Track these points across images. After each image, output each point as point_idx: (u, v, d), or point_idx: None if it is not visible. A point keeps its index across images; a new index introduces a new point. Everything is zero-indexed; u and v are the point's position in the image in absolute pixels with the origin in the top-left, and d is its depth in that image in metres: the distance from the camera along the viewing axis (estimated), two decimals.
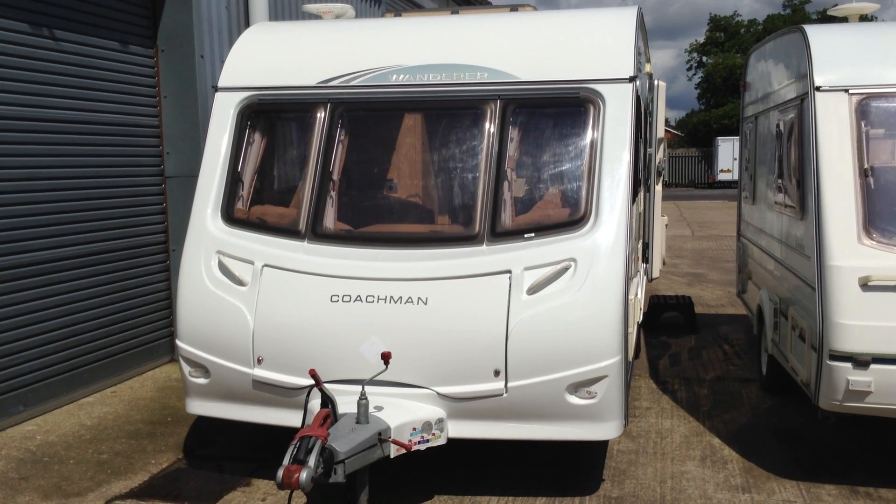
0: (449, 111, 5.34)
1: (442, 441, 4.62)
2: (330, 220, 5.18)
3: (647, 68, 7.73)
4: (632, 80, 5.03)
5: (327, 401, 4.30)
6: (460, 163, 5.20)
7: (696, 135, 53.74)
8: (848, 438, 5.76)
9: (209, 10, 7.93)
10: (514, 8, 6.13)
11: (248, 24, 8.29)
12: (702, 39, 62.68)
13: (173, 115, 7.84)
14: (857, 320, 4.74)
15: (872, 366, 4.73)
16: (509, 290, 4.63)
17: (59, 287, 6.74)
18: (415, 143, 5.46)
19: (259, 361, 4.87)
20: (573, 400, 4.57)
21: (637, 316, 6.64)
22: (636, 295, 6.34)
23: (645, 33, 7.12)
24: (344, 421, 4.28)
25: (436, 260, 4.83)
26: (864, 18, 6.74)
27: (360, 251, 4.96)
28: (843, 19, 6.64)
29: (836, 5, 6.77)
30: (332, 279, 4.84)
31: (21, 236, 6.39)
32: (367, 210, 5.40)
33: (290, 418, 4.81)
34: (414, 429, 4.47)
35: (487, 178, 5.00)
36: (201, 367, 5.07)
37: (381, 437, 4.26)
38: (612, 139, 4.91)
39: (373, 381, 4.37)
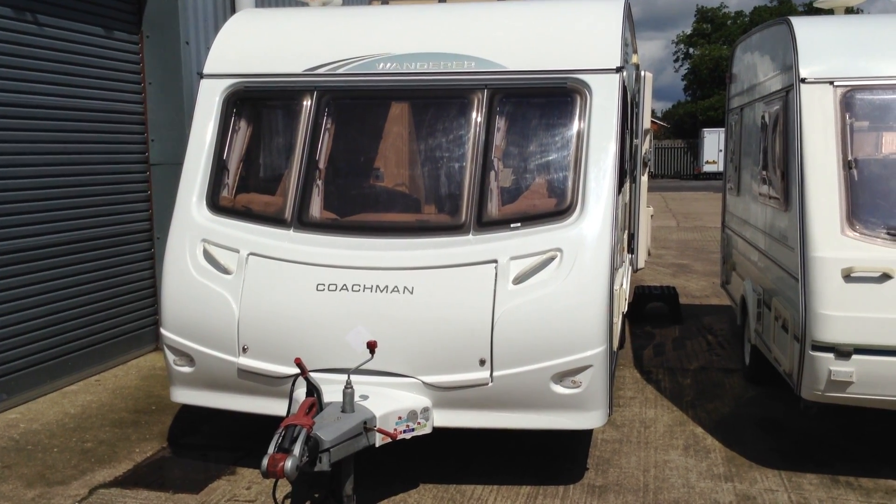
0: (436, 100, 5.33)
1: (427, 430, 4.63)
2: (316, 209, 5.16)
3: (634, 59, 7.73)
4: (618, 70, 5.03)
5: (313, 390, 4.30)
6: (447, 152, 5.20)
7: (682, 126, 53.91)
8: (829, 428, 5.81)
9: None
10: None
11: (233, 11, 8.22)
12: (689, 31, 62.82)
13: (158, 101, 7.79)
14: (840, 311, 4.78)
15: (854, 356, 4.77)
16: (495, 280, 4.64)
17: (42, 275, 6.69)
18: (401, 132, 5.45)
19: (244, 350, 4.86)
20: (558, 389, 4.59)
21: (622, 306, 6.66)
22: (621, 285, 6.36)
23: (632, 24, 7.12)
24: (329, 410, 4.28)
25: (422, 249, 4.83)
26: (849, 11, 6.77)
27: (347, 240, 4.95)
28: (829, 12, 6.67)
29: None
30: (318, 268, 4.83)
31: (4, 223, 6.33)
32: (354, 199, 5.38)
33: (275, 407, 4.81)
34: (399, 418, 4.48)
35: (474, 168, 5.00)
36: (186, 356, 5.05)
37: (367, 426, 4.27)
38: (598, 130, 4.92)
39: (358, 370, 4.37)
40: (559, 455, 5.32)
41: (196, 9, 7.90)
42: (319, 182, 5.21)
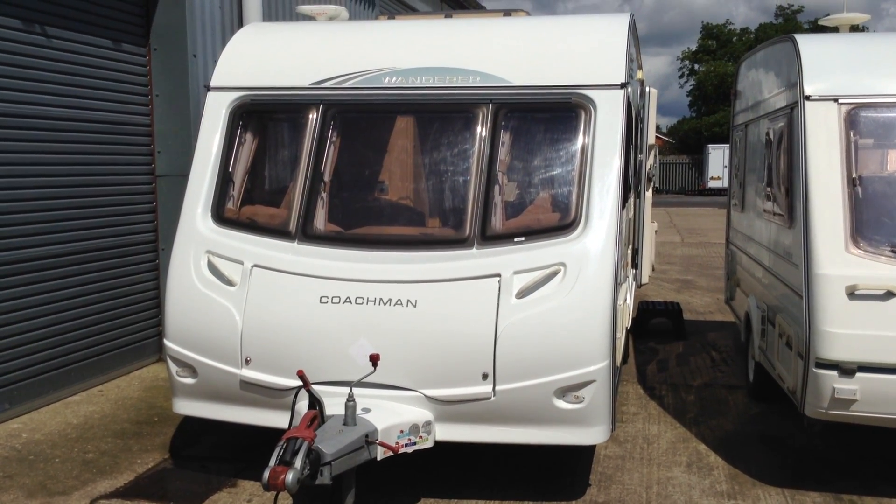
0: (441, 114, 5.35)
1: (429, 444, 4.62)
2: (320, 222, 5.18)
3: (639, 75, 7.76)
4: (623, 86, 5.05)
5: (315, 402, 4.29)
6: (451, 166, 5.21)
7: (687, 142, 53.92)
8: (833, 446, 5.79)
9: (202, 9, 7.92)
10: (507, 13, 6.15)
11: (241, 24, 8.28)
12: (694, 47, 62.99)
13: (165, 113, 7.83)
14: (844, 328, 4.77)
15: (858, 374, 4.75)
16: (498, 294, 4.64)
17: (47, 285, 6.71)
18: (406, 146, 5.47)
19: (247, 362, 4.86)
20: (561, 404, 4.58)
21: (625, 321, 6.65)
22: (625, 300, 6.36)
23: (637, 40, 7.15)
24: (331, 423, 4.27)
25: (426, 262, 4.83)
26: (854, 29, 6.78)
27: (351, 253, 4.96)
28: (834, 29, 6.68)
29: (827, 15, 6.81)
30: (322, 280, 4.84)
31: (9, 233, 6.36)
32: (358, 212, 5.40)
33: (277, 419, 4.80)
34: (401, 431, 4.47)
35: (478, 182, 5.01)
36: (189, 367, 5.05)
37: (368, 440, 4.26)
38: (602, 145, 4.93)
39: (361, 383, 4.37)
40: (561, 471, 5.30)
41: (204, 22, 7.95)
42: (324, 195, 5.22)
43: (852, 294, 4.75)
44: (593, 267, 4.65)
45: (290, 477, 3.80)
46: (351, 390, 4.29)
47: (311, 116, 5.34)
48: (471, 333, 4.60)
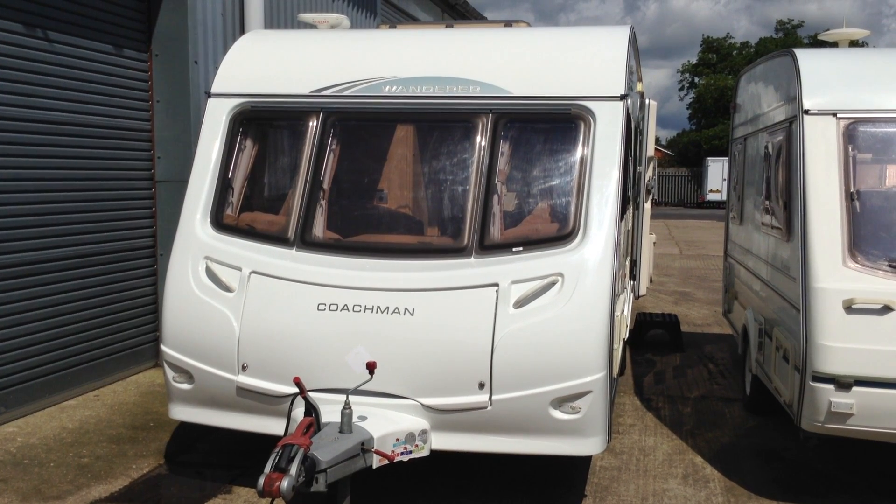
0: (440, 123, 5.36)
1: (425, 453, 4.62)
2: (319, 229, 5.18)
3: (639, 87, 7.78)
4: (622, 98, 5.07)
5: (311, 409, 4.29)
6: (451, 175, 5.22)
7: (687, 154, 54.02)
8: (829, 460, 5.78)
9: (204, 15, 7.95)
10: (508, 23, 6.18)
11: (243, 31, 8.31)
12: (694, 60, 63.20)
13: (165, 119, 7.84)
14: (841, 342, 4.77)
15: (855, 388, 4.76)
16: (496, 303, 4.64)
17: (44, 289, 6.71)
18: (406, 155, 5.48)
19: (244, 368, 4.85)
20: (557, 414, 4.58)
21: (623, 333, 6.65)
22: (623, 311, 6.36)
23: (637, 52, 7.17)
24: (327, 430, 4.27)
25: (424, 271, 4.84)
26: (854, 44, 6.81)
27: (349, 260, 4.96)
28: (834, 44, 6.71)
29: (827, 30, 6.84)
30: (320, 288, 4.84)
31: (8, 237, 6.36)
32: (357, 220, 5.40)
33: (273, 426, 4.79)
34: (397, 439, 4.47)
35: (477, 191, 5.02)
36: (185, 373, 5.05)
37: (364, 448, 4.25)
38: (601, 156, 4.94)
39: (357, 391, 4.36)
40: (557, 481, 5.29)
41: (205, 28, 7.97)
42: (323, 202, 5.23)
43: (849, 308, 4.76)
44: (591, 277, 4.66)
45: (285, 484, 3.79)
46: (347, 398, 4.29)
47: (311, 124, 5.36)
48: (468, 342, 4.60)
